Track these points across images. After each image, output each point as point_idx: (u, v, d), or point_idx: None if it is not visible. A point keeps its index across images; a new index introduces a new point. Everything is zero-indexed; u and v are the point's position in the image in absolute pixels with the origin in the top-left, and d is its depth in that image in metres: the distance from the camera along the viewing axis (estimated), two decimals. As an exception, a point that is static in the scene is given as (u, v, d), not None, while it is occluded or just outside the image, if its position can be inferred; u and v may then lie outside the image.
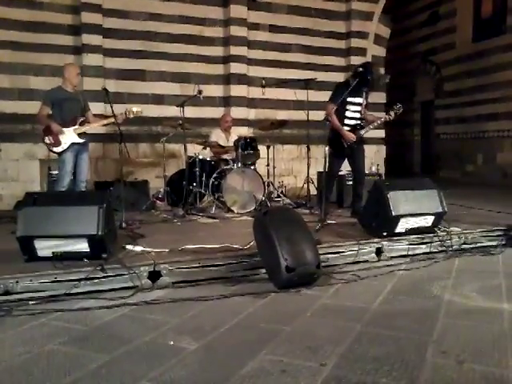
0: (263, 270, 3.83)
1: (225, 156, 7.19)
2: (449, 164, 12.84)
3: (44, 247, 3.66)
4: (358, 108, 5.85)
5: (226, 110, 8.85)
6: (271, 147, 7.25)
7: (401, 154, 14.06)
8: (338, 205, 7.02)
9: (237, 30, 8.93)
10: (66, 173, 5.53)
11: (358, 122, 5.85)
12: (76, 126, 5.54)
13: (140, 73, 8.42)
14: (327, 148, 5.44)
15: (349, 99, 5.72)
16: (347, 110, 5.74)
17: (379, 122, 5.85)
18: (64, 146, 5.48)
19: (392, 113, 5.88)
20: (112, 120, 5.58)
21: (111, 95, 5.61)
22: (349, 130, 5.75)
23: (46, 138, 5.47)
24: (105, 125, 5.88)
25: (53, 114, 5.58)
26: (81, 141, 5.58)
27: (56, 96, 5.58)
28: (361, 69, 5.78)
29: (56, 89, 5.67)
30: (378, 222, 4.68)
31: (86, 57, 7.96)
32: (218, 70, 9.00)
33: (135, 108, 5.72)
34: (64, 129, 5.47)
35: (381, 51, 10.43)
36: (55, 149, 5.49)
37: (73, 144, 5.52)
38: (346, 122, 5.77)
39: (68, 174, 5.54)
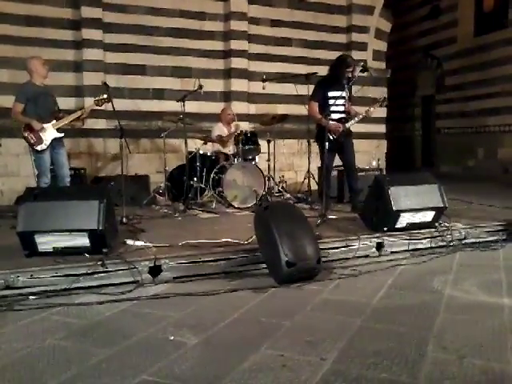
0: (264, 265, 3.83)
1: (225, 150, 7.18)
2: (450, 159, 12.82)
3: (45, 242, 3.67)
4: (342, 101, 5.81)
5: (227, 104, 8.83)
6: (272, 142, 7.24)
7: (402, 149, 14.03)
8: (338, 200, 7.01)
9: (237, 25, 8.91)
10: (46, 169, 5.40)
11: (343, 115, 5.82)
12: (54, 121, 5.39)
13: (140, 67, 8.40)
14: (327, 143, 5.41)
15: (330, 94, 5.70)
16: (330, 104, 5.67)
17: (364, 114, 5.79)
18: (46, 143, 5.32)
19: (376, 105, 5.88)
20: (83, 112, 5.53)
21: (111, 90, 5.59)
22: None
23: (29, 136, 5.26)
24: (79, 117, 5.60)
25: (27, 111, 5.34)
26: (60, 135, 5.44)
27: (29, 92, 5.36)
28: (336, 62, 5.78)
29: (28, 84, 5.44)
30: (378, 216, 4.67)
31: (86, 51, 7.94)
32: (218, 64, 8.98)
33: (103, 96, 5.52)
34: (44, 125, 5.31)
35: (382, 45, 10.41)
36: (38, 147, 5.29)
37: (53, 140, 5.38)
38: (332, 116, 5.65)
39: (48, 169, 5.42)
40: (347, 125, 5.76)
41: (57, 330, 2.77)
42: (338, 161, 6.15)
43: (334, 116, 5.73)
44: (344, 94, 5.74)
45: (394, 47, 12.25)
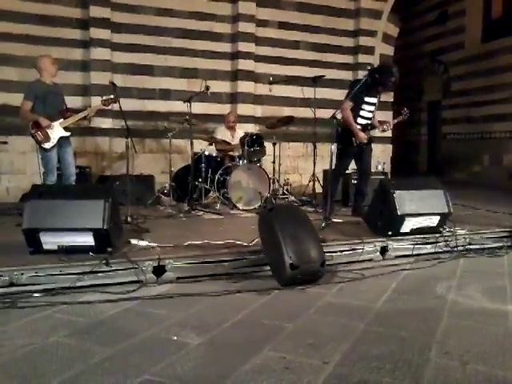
0: (267, 267, 3.83)
1: (230, 152, 7.19)
2: (455, 164, 12.79)
3: (49, 240, 3.68)
4: (372, 108, 5.83)
5: (233, 106, 8.84)
6: (277, 144, 7.24)
7: (407, 154, 14.02)
8: (343, 203, 7.00)
9: (245, 27, 8.91)
10: (53, 167, 5.43)
11: (369, 122, 5.84)
12: (61, 120, 5.41)
13: (148, 68, 8.42)
14: (334, 146, 5.42)
15: (367, 99, 5.72)
16: (362, 109, 5.71)
17: (387, 125, 5.86)
18: (54, 140, 5.35)
19: (400, 117, 5.94)
20: (90, 111, 5.56)
21: (118, 89, 5.61)
22: (359, 130, 5.73)
23: (37, 133, 5.28)
24: (86, 116, 5.62)
25: (35, 109, 5.38)
26: (67, 134, 5.47)
27: (38, 90, 5.41)
28: (381, 69, 5.80)
29: (36, 82, 5.49)
30: (383, 221, 4.66)
31: (94, 51, 7.97)
32: (225, 66, 8.98)
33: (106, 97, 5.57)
34: (51, 123, 5.34)
35: (389, 50, 10.40)
36: (46, 145, 5.31)
37: (60, 138, 5.41)
38: (359, 121, 5.74)
39: (55, 167, 5.45)
40: (371, 132, 5.81)
41: (60, 327, 2.78)
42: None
43: (362, 121, 5.79)
44: (376, 100, 5.82)
45: (401, 52, 12.24)
